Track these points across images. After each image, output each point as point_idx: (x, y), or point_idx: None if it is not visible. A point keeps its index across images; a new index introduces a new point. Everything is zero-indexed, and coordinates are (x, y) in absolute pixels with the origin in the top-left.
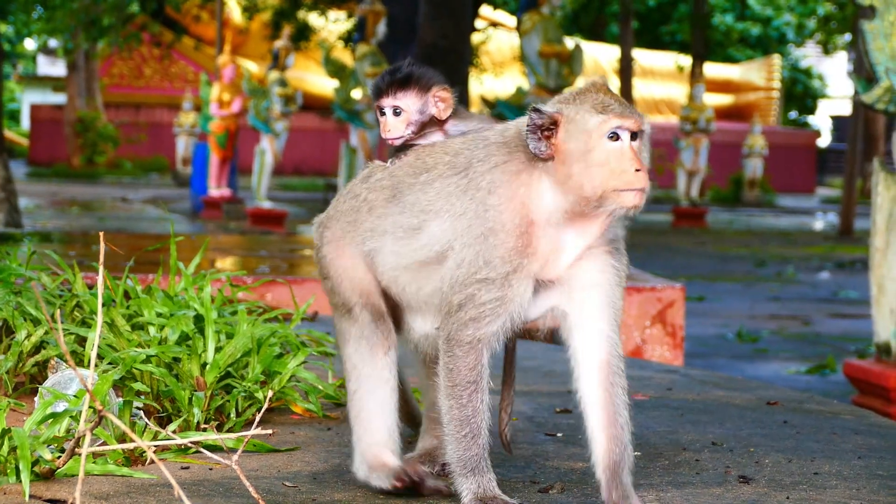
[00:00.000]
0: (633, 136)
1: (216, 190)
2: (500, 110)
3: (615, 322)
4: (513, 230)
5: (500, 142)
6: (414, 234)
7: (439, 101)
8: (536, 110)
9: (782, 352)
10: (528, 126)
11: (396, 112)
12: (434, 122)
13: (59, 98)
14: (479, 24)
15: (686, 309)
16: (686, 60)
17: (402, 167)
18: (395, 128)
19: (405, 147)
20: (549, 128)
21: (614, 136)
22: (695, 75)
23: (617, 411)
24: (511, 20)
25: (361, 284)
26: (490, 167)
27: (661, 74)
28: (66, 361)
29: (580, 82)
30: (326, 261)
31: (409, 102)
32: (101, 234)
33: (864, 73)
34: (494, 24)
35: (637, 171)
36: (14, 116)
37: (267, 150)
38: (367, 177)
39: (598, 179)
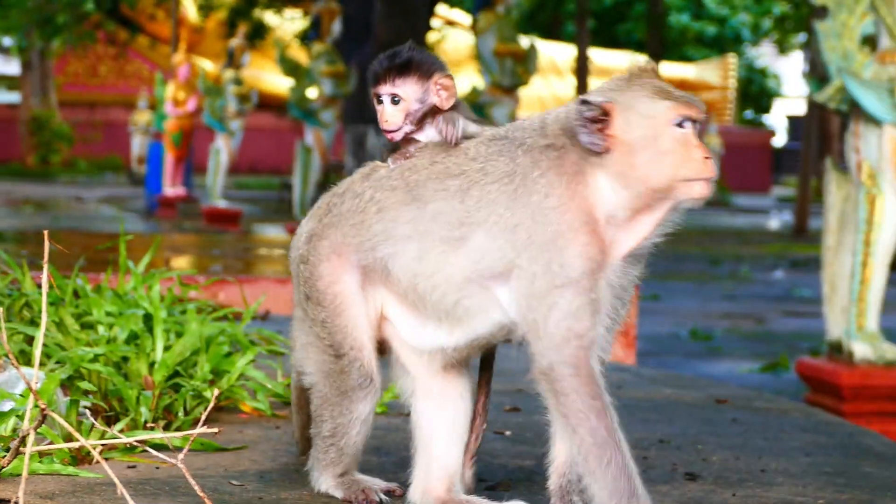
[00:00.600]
0: (694, 124)
1: (171, 189)
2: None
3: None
4: (580, 227)
5: (544, 144)
6: (455, 246)
7: (441, 88)
8: (586, 102)
9: (736, 350)
10: (578, 120)
11: (395, 100)
12: (434, 113)
13: (13, 97)
14: (434, 22)
15: (639, 307)
16: (642, 59)
17: (417, 169)
18: (392, 117)
19: (396, 145)
20: (601, 119)
21: (679, 124)
22: None
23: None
24: (467, 19)
25: (358, 332)
26: (541, 171)
27: (617, 74)
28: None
29: (536, 81)
30: (322, 284)
31: (408, 90)
32: (46, 232)
33: (817, 73)
34: (450, 23)
35: (706, 158)
36: None
37: (222, 149)
38: (368, 175)
39: (667, 168)
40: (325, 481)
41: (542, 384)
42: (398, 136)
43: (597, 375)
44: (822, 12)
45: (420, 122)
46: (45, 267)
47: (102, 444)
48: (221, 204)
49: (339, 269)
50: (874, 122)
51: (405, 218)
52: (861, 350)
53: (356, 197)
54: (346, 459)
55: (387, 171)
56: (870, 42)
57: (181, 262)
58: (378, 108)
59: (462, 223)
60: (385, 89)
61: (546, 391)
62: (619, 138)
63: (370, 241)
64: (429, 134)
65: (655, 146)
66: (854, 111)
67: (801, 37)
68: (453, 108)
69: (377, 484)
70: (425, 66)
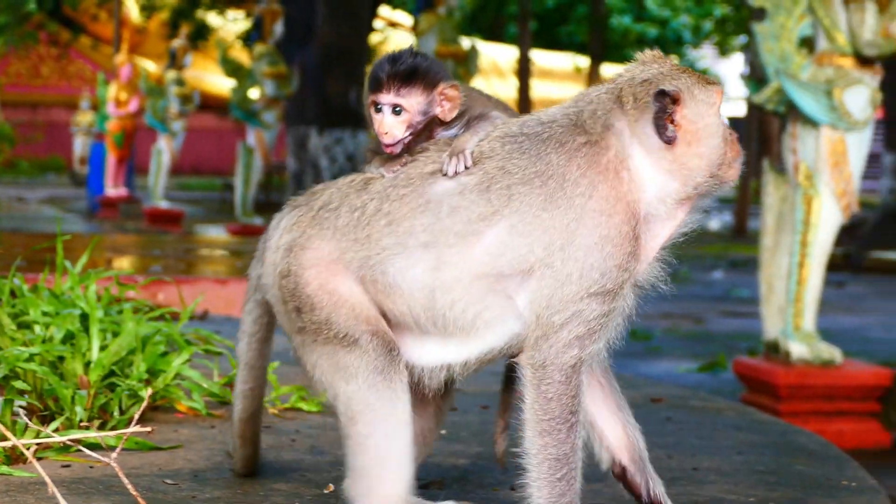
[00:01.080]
0: None
1: (113, 189)
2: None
3: None
4: (629, 233)
5: (583, 141)
6: (472, 242)
7: (445, 99)
8: (664, 93)
9: (674, 350)
10: (656, 113)
11: (397, 111)
12: (435, 124)
13: None
14: (377, 24)
15: None
16: (584, 61)
17: (425, 175)
18: (393, 129)
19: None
20: (669, 109)
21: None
22: (593, 76)
23: (621, 401)
24: (408, 20)
25: (366, 311)
26: (581, 170)
27: (559, 75)
28: None
29: (478, 82)
30: (311, 288)
31: (413, 101)
32: None
33: (756, 75)
34: (392, 25)
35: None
36: None
37: (164, 150)
38: (365, 186)
39: (719, 155)
40: None
41: (528, 376)
42: (397, 150)
43: (582, 388)
44: (761, 14)
45: (418, 134)
46: None
47: (36, 444)
48: (163, 205)
49: (330, 273)
50: (811, 123)
51: (420, 226)
52: (798, 350)
53: (356, 210)
54: (397, 464)
55: (388, 180)
56: (807, 44)
57: (122, 263)
58: (376, 116)
59: (482, 218)
60: (387, 98)
61: (529, 384)
62: (685, 128)
63: (379, 255)
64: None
65: (718, 133)
66: (791, 112)
67: (742, 39)
68: (459, 116)
69: None
70: (431, 74)
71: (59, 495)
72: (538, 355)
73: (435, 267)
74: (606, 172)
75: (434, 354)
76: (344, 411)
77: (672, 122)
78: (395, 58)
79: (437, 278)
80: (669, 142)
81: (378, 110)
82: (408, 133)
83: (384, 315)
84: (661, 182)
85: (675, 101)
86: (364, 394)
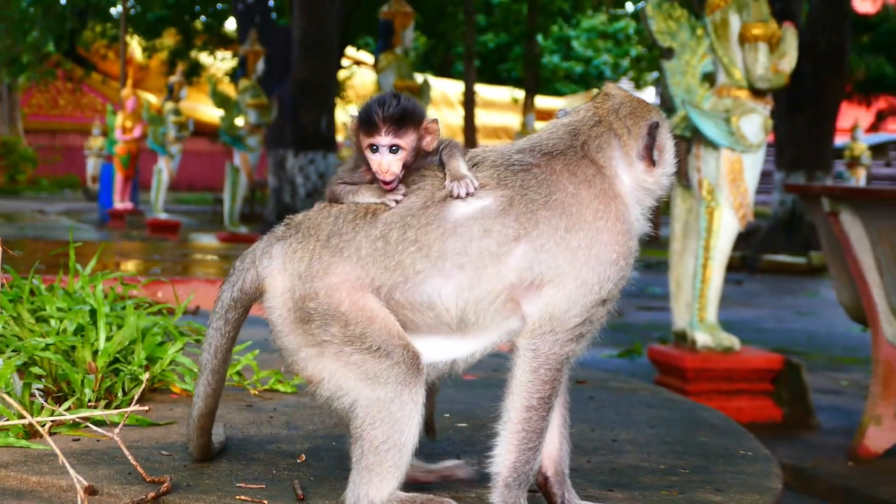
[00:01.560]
0: None
1: (120, 203)
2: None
3: None
4: (633, 248)
5: (592, 172)
6: (504, 260)
7: (428, 133)
8: (657, 125)
9: (598, 339)
10: (648, 143)
11: (394, 150)
12: (420, 156)
13: None
14: (344, 62)
15: None
16: (520, 94)
17: (438, 201)
18: (392, 166)
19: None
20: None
21: None
22: (527, 106)
23: (566, 416)
24: (371, 59)
25: (395, 326)
26: (595, 197)
27: (500, 106)
28: None
29: (429, 112)
30: (345, 307)
31: (408, 140)
32: (0, 240)
33: (665, 105)
34: (357, 63)
35: None
36: None
37: (163, 169)
38: (373, 217)
39: (672, 171)
40: None
41: (526, 358)
42: (395, 185)
43: (565, 380)
44: (670, 53)
45: (410, 165)
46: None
47: (51, 421)
48: (163, 216)
49: (358, 294)
50: (713, 146)
51: (454, 249)
52: (702, 338)
53: (378, 240)
54: (403, 464)
55: (399, 209)
56: (709, 78)
57: (127, 266)
58: (373, 157)
59: (513, 239)
60: (385, 140)
61: (526, 365)
62: (661, 152)
63: (415, 278)
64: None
65: (673, 152)
66: (696, 137)
67: (653, 74)
68: (443, 147)
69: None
70: (417, 114)
71: (68, 465)
72: (543, 345)
73: (472, 284)
74: (613, 197)
75: (444, 351)
76: (363, 416)
77: (655, 146)
78: (384, 101)
79: (473, 293)
80: (655, 165)
81: (375, 150)
82: (403, 169)
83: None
84: (643, 200)
85: (657, 129)
86: (389, 403)
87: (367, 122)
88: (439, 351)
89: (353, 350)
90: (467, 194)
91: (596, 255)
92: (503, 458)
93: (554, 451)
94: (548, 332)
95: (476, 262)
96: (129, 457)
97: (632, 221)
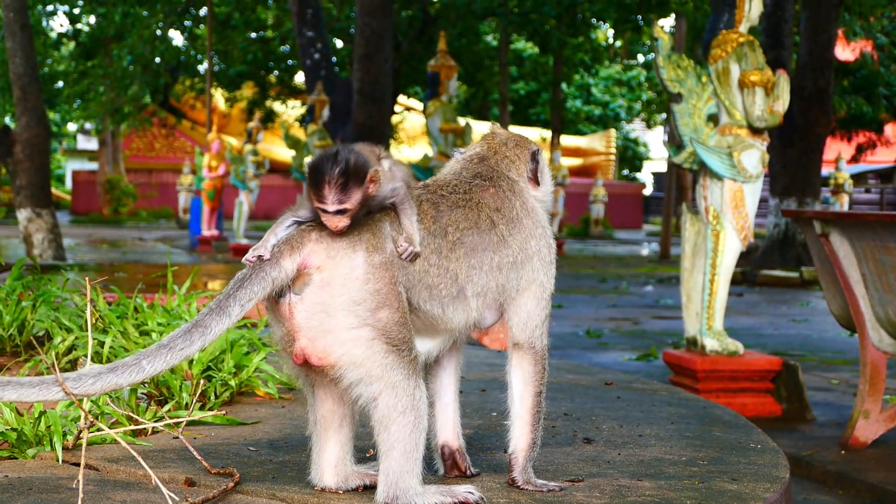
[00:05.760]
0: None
1: (207, 231)
2: (413, 170)
3: None
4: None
5: (523, 186)
6: (507, 270)
7: (372, 182)
8: (538, 152)
9: (619, 344)
10: (531, 172)
11: (342, 211)
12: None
13: (93, 165)
14: (397, 108)
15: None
16: (547, 134)
17: (460, 227)
18: (341, 223)
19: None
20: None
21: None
22: (554, 144)
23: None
24: (420, 105)
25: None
26: (528, 214)
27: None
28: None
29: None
30: (387, 290)
31: (353, 199)
32: (87, 279)
33: (675, 142)
34: (408, 109)
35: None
36: (60, 179)
37: (244, 202)
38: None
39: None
40: (421, 498)
41: (527, 355)
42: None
43: (454, 360)
44: (679, 98)
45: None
46: (88, 297)
47: (155, 424)
48: (244, 241)
49: (399, 287)
50: (717, 177)
51: (489, 263)
52: (710, 344)
53: (423, 261)
54: (423, 450)
55: (421, 242)
56: (713, 119)
57: (215, 285)
58: (323, 217)
59: (523, 256)
60: (332, 207)
61: (526, 360)
62: (542, 174)
63: (451, 283)
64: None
65: (550, 175)
66: (702, 169)
67: (663, 116)
68: (397, 198)
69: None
70: (361, 173)
71: (143, 462)
72: (537, 343)
73: (498, 289)
74: (536, 211)
75: (427, 344)
76: (393, 403)
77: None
78: (327, 167)
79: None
80: (539, 184)
81: (325, 212)
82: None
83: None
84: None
85: (538, 155)
86: (413, 390)
87: (314, 187)
88: (425, 344)
89: (387, 338)
90: (412, 255)
91: (547, 256)
92: (522, 439)
93: (453, 427)
94: (530, 329)
95: (497, 270)
96: (194, 452)
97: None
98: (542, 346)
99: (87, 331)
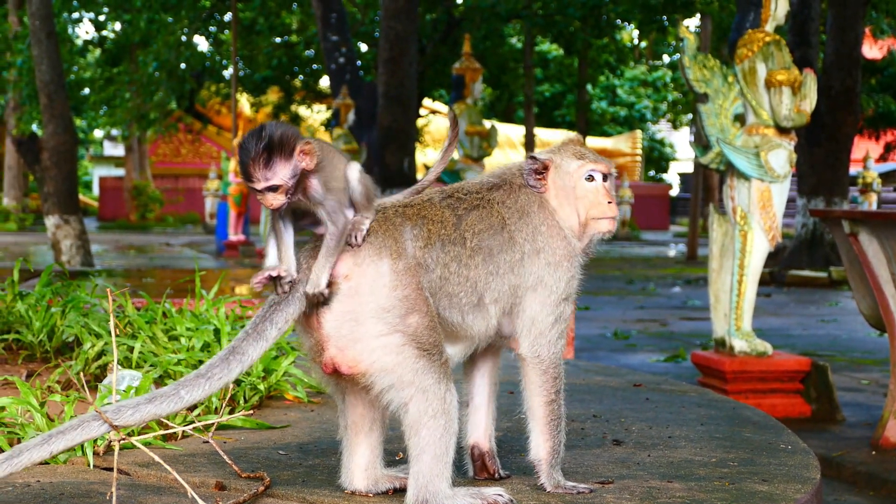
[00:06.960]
0: (605, 177)
1: (234, 236)
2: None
3: None
4: (577, 252)
5: (527, 192)
6: (514, 268)
7: (303, 154)
8: (533, 158)
9: (647, 346)
10: (526, 170)
11: (272, 188)
12: (305, 175)
13: (119, 171)
14: (422, 111)
15: (576, 315)
16: (572, 134)
17: (476, 232)
18: (276, 201)
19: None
20: (541, 171)
21: (590, 178)
22: None
23: (493, 391)
24: (445, 108)
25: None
26: (533, 211)
27: (557, 142)
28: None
29: (497, 153)
30: (414, 295)
31: (281, 174)
32: (109, 290)
33: (701, 143)
34: (433, 112)
35: (609, 203)
36: (87, 186)
37: None
38: (421, 258)
39: (582, 209)
40: (450, 501)
41: (531, 366)
42: (283, 207)
43: (491, 363)
44: (705, 98)
45: (298, 186)
46: (111, 307)
47: (185, 428)
48: None
49: (426, 292)
50: (745, 177)
51: (504, 266)
52: (739, 344)
53: (443, 268)
54: (451, 460)
55: (438, 248)
56: (739, 119)
57: (242, 290)
58: (257, 196)
59: (524, 257)
60: (260, 185)
61: (531, 371)
62: (553, 185)
63: (471, 291)
64: (315, 188)
65: (574, 193)
66: (730, 170)
67: (689, 116)
68: (321, 161)
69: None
70: (286, 145)
71: (169, 468)
72: (542, 351)
73: (510, 292)
74: (547, 211)
75: (448, 351)
76: (424, 408)
77: (543, 179)
78: (249, 145)
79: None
80: (538, 191)
81: (257, 191)
82: (289, 194)
83: None
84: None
85: (546, 166)
86: (444, 394)
87: (241, 167)
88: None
89: (417, 343)
90: (359, 243)
91: (553, 258)
92: (542, 446)
93: (483, 431)
94: (535, 336)
95: (506, 272)
96: (224, 455)
97: (567, 234)
98: (551, 356)
99: (116, 335)
